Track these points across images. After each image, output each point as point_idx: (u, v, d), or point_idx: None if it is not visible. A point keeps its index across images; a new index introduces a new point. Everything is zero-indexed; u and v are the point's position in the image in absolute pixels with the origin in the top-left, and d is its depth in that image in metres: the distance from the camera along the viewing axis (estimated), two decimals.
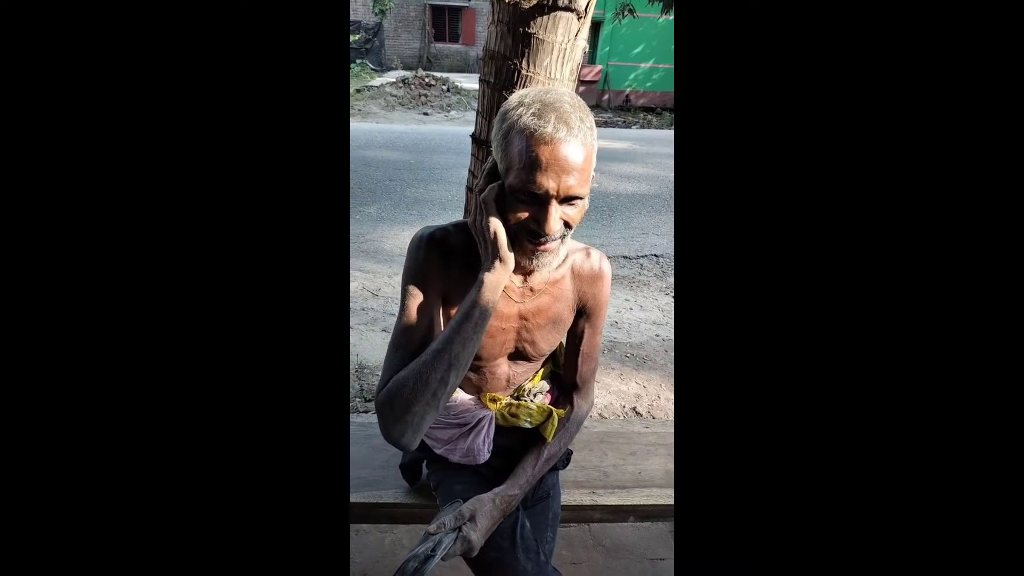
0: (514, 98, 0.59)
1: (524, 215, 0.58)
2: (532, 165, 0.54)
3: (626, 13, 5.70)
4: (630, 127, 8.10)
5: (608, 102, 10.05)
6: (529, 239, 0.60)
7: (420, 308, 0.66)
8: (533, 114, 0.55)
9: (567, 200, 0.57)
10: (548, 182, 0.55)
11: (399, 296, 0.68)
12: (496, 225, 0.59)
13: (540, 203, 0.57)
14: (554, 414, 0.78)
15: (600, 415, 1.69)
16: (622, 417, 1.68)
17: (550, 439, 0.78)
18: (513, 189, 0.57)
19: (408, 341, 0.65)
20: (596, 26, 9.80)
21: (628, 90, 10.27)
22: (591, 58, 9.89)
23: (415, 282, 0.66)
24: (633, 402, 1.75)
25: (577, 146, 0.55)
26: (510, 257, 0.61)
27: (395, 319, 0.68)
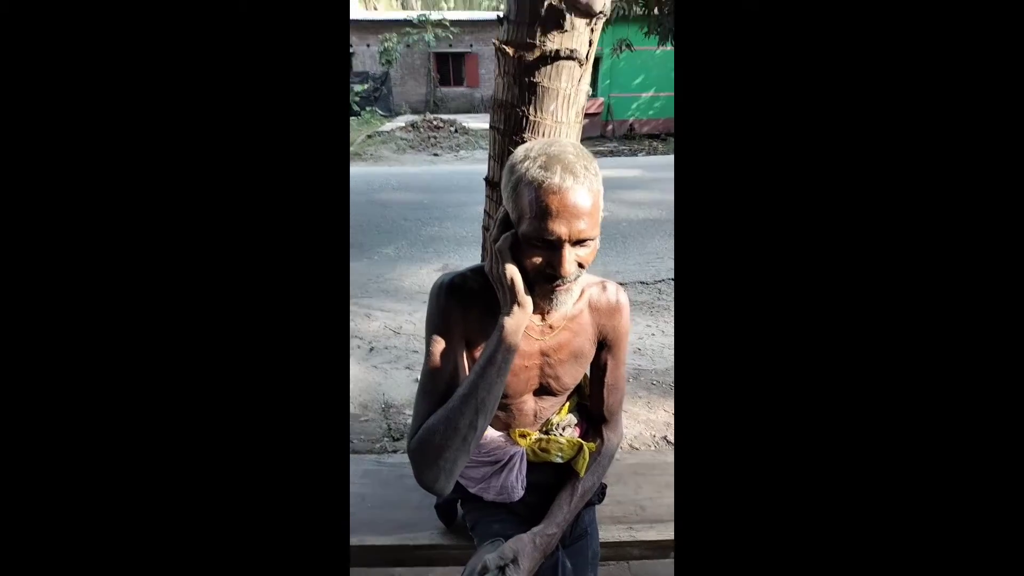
0: (520, 152, 0.63)
1: (539, 260, 0.61)
2: (543, 214, 0.58)
3: (623, 48, 5.91)
4: (636, 155, 8.23)
5: (612, 132, 10.28)
6: (545, 283, 0.63)
7: (444, 354, 0.69)
8: (540, 166, 0.59)
9: (579, 243, 0.61)
10: (560, 228, 0.58)
11: (422, 335, 0.71)
12: (512, 271, 0.63)
13: (554, 248, 0.60)
14: (584, 447, 0.79)
15: (631, 446, 1.66)
16: (653, 447, 1.65)
17: (583, 473, 0.78)
18: (527, 237, 0.61)
19: (435, 388, 0.68)
20: (596, 61, 10.13)
21: (631, 119, 10.51)
22: (593, 92, 10.21)
23: (437, 329, 0.69)
24: (663, 430, 1.72)
25: (584, 192, 0.59)
26: (528, 301, 0.64)
27: (420, 358, 0.71)
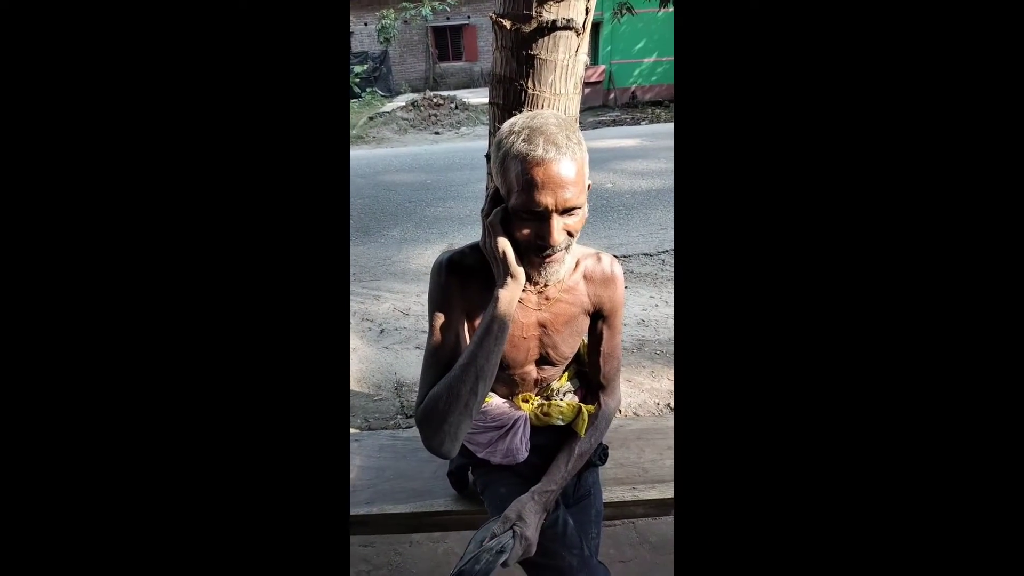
0: (505, 127, 0.64)
1: (528, 232, 0.64)
2: (529, 186, 0.60)
3: (624, 11, 5.72)
4: (639, 123, 8.06)
5: (614, 100, 10.04)
6: (536, 253, 0.65)
7: (445, 328, 0.72)
8: (524, 140, 0.60)
9: (566, 212, 0.62)
10: (546, 199, 0.60)
11: (427, 312, 0.74)
12: (504, 244, 0.65)
13: (542, 219, 0.62)
14: (584, 410, 0.83)
15: (635, 413, 1.70)
16: (656, 414, 1.69)
17: (582, 434, 0.82)
18: (516, 210, 0.63)
19: (438, 359, 0.71)
20: (596, 27, 9.83)
21: (633, 86, 10.24)
22: (594, 59, 9.92)
23: (438, 305, 0.73)
24: (667, 398, 1.76)
25: (568, 162, 0.60)
26: (521, 272, 0.66)
27: (426, 338, 0.74)
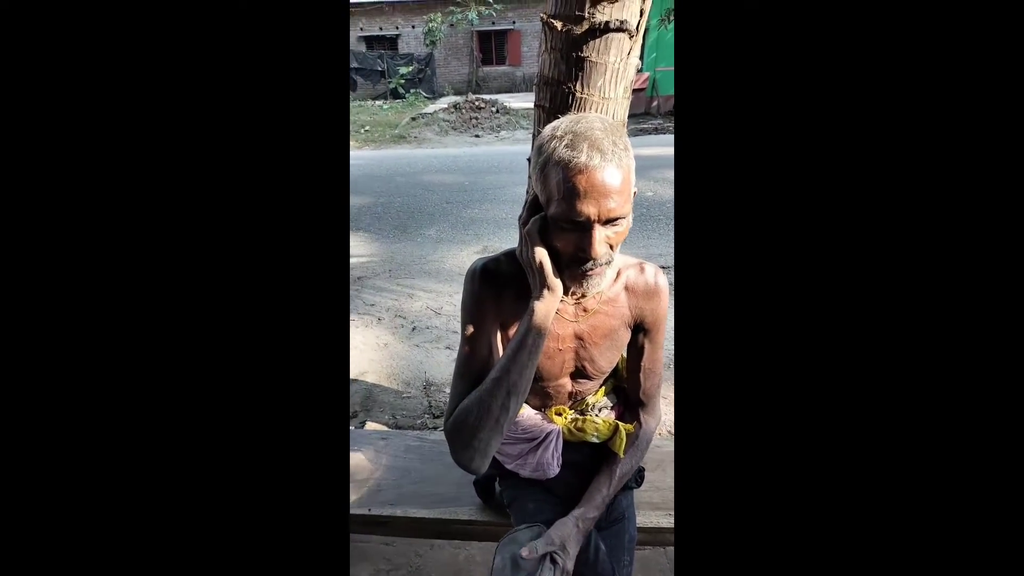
0: (547, 131, 0.61)
1: (569, 242, 0.60)
2: (571, 194, 0.56)
3: (671, 18, 5.61)
4: None
5: (658, 108, 9.85)
6: (576, 266, 0.61)
7: (478, 337, 0.69)
8: (567, 145, 0.57)
9: (609, 222, 0.58)
10: (589, 209, 0.56)
11: (460, 319, 0.72)
12: (542, 255, 0.62)
13: (583, 229, 0.58)
14: (621, 428, 0.78)
15: (670, 432, 1.63)
16: None
17: (622, 454, 0.77)
18: (556, 219, 0.59)
19: (469, 370, 0.69)
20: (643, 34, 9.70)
21: None
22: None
23: (471, 314, 0.70)
24: None
25: (613, 170, 0.56)
26: (558, 284, 0.63)
27: (459, 338, 0.71)
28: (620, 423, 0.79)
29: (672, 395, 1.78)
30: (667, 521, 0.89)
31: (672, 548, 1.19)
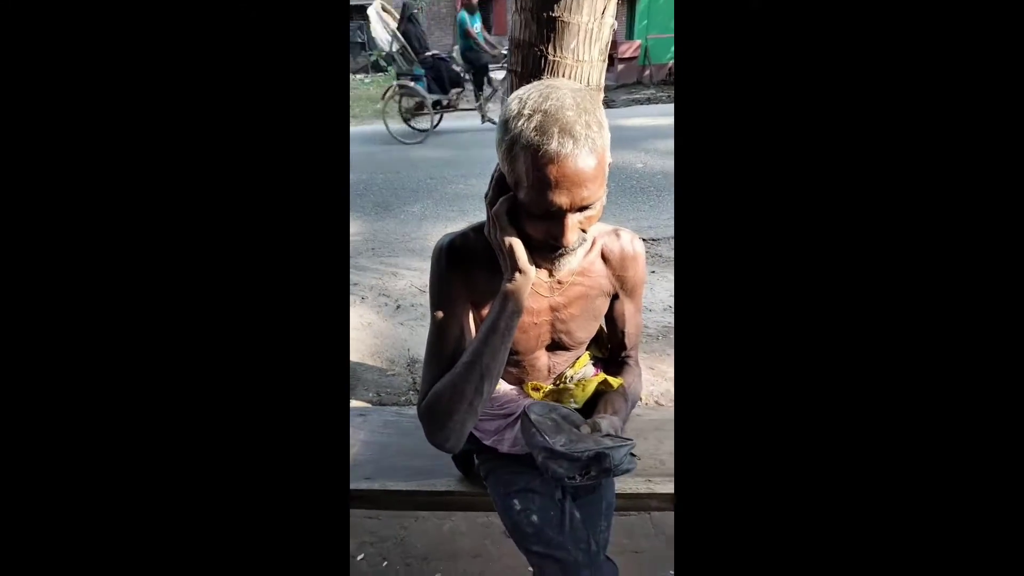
0: (513, 105, 0.55)
1: (540, 229, 0.57)
2: (542, 184, 0.53)
3: None
4: (674, 101, 7.74)
5: (650, 77, 9.62)
6: (548, 251, 0.59)
7: (449, 318, 0.67)
8: (535, 129, 0.52)
9: (582, 209, 0.56)
10: (561, 199, 0.53)
11: (428, 299, 0.70)
12: (512, 238, 0.59)
13: (555, 217, 0.55)
14: (606, 378, 0.78)
15: (656, 402, 1.65)
16: None
17: (616, 384, 0.76)
18: (526, 206, 0.56)
19: (442, 352, 0.67)
20: (633, 0, 9.40)
21: (670, 63, 9.79)
22: (629, 33, 9.51)
23: (440, 294, 0.67)
24: None
25: (586, 155, 0.52)
26: (530, 267, 0.60)
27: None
28: (604, 375, 0.79)
29: (661, 367, 1.79)
30: (647, 487, 0.90)
31: (656, 513, 1.21)
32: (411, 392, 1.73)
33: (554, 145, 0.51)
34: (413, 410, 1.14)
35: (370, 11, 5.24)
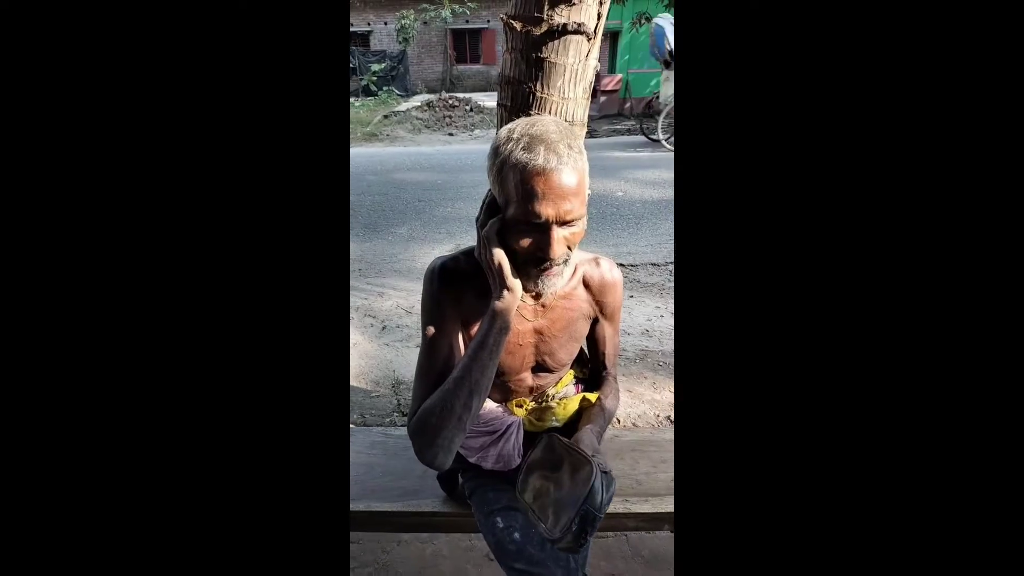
0: (503, 133, 0.62)
1: (527, 243, 0.62)
2: (529, 196, 0.58)
3: (643, 21, 5.72)
4: (654, 133, 8.04)
5: (630, 110, 10.02)
6: (534, 265, 0.64)
7: (439, 337, 0.70)
8: (523, 148, 0.58)
9: (566, 223, 0.61)
10: (547, 210, 0.58)
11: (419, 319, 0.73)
12: (500, 256, 0.63)
13: (541, 230, 0.60)
14: (584, 395, 0.82)
15: (633, 424, 1.68)
16: (655, 426, 1.67)
17: (594, 399, 0.81)
18: (514, 220, 0.61)
19: (432, 370, 0.70)
20: (614, 36, 9.84)
21: (650, 96, 10.23)
22: (611, 67, 9.92)
23: (431, 314, 0.71)
24: (667, 410, 1.73)
25: (569, 172, 0.58)
26: (517, 284, 0.64)
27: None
28: (585, 394, 0.83)
29: (638, 390, 1.83)
30: (623, 507, 0.92)
31: (633, 534, 1.23)
32: (395, 414, 1.73)
33: (540, 160, 0.57)
34: (398, 431, 1.15)
35: None
